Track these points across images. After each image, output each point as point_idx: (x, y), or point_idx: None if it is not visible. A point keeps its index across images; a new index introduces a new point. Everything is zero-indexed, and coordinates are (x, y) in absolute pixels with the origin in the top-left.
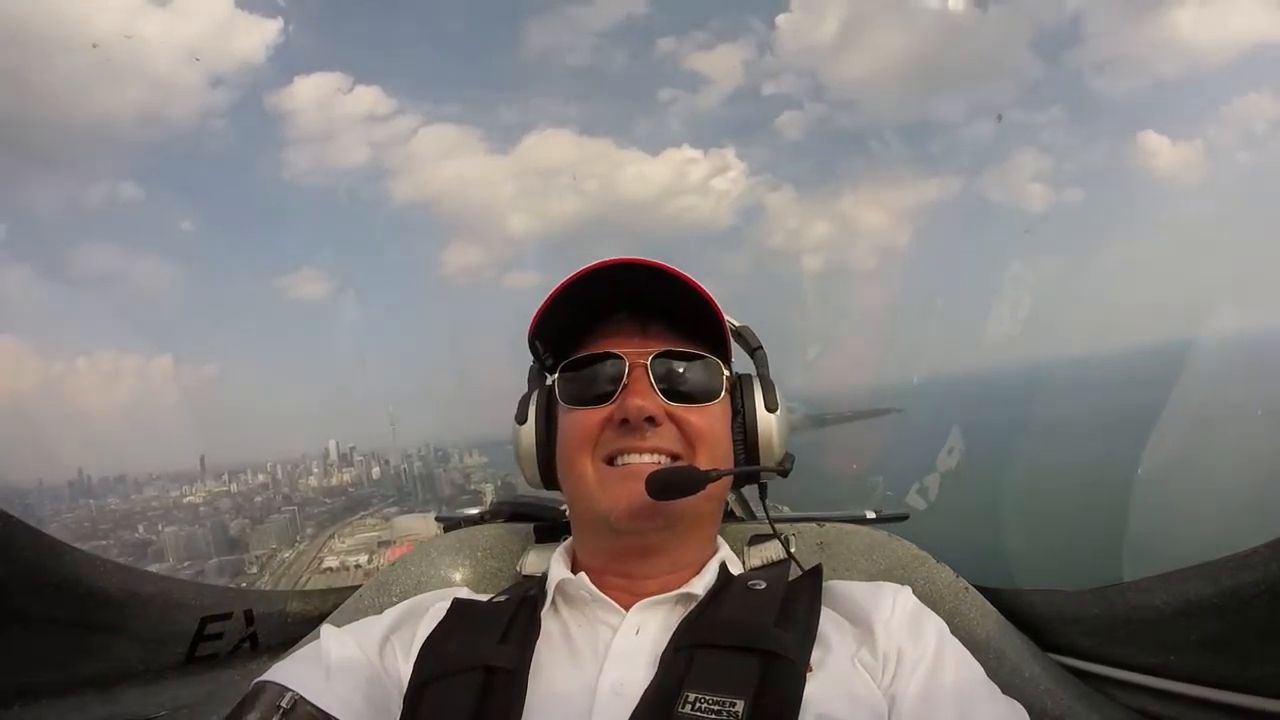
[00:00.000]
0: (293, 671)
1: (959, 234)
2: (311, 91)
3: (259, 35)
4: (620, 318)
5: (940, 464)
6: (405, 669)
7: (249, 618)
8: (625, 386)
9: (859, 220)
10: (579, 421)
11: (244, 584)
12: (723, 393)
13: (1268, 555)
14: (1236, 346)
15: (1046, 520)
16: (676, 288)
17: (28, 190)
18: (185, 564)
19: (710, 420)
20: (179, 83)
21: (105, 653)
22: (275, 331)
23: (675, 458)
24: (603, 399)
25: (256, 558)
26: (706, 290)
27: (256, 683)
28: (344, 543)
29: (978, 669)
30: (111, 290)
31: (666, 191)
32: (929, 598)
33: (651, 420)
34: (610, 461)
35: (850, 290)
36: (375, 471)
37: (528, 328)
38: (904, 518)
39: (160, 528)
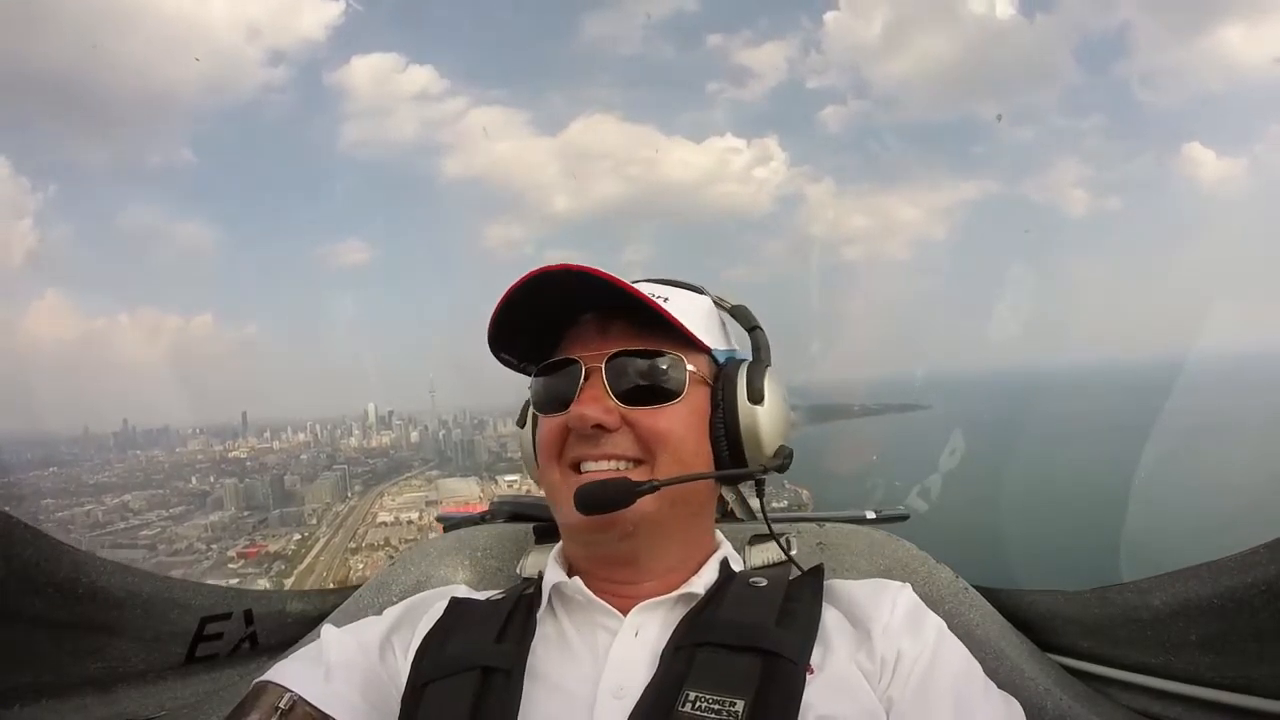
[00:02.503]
0: (292, 672)
1: (996, 235)
2: (368, 70)
3: (320, 15)
4: (584, 320)
5: (942, 465)
6: (405, 669)
7: (249, 618)
8: (580, 392)
9: (896, 215)
10: (545, 429)
11: (306, 533)
12: (684, 389)
13: (1267, 555)
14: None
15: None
16: (615, 289)
17: (83, 152)
18: (246, 513)
19: (670, 420)
20: (241, 58)
21: (105, 653)
22: (317, 297)
23: (638, 462)
24: (563, 405)
25: (313, 510)
26: (642, 292)
27: (256, 683)
28: (394, 500)
29: (975, 667)
30: (160, 251)
31: (708, 178)
32: (929, 598)
33: (601, 427)
34: (576, 468)
35: (886, 284)
36: (414, 435)
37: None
38: (904, 518)
39: (212, 479)
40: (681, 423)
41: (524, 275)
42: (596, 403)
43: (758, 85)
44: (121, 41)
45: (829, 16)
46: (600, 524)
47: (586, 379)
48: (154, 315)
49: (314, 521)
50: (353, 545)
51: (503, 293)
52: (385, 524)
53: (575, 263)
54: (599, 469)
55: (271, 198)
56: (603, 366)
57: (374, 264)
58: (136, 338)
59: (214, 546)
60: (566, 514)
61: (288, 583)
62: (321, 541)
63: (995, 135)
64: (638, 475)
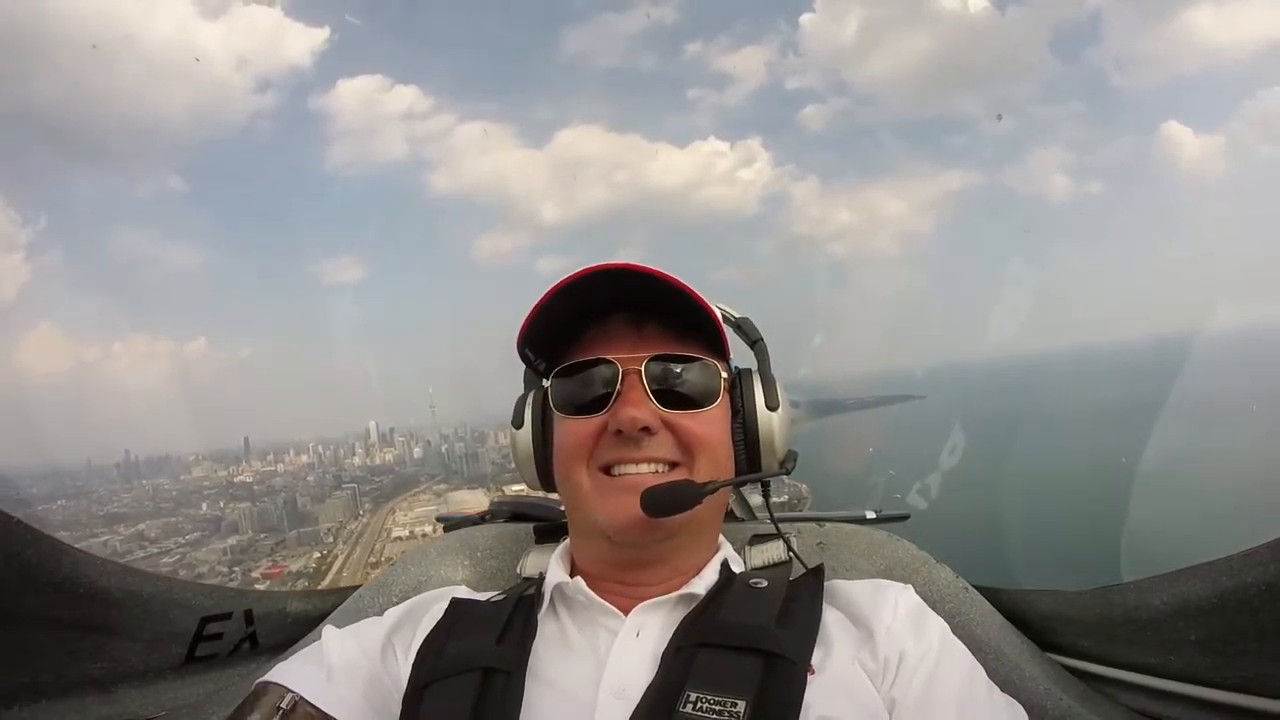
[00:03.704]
0: (294, 672)
1: (980, 226)
2: (354, 92)
3: (306, 41)
4: (615, 320)
5: (943, 463)
6: (405, 670)
7: (249, 618)
8: (619, 394)
9: (881, 209)
10: (574, 430)
11: (324, 551)
12: (721, 395)
13: (1268, 555)
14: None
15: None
16: (669, 289)
17: (75, 183)
18: (262, 535)
19: (708, 425)
20: (230, 86)
21: (105, 653)
22: (310, 317)
23: (674, 465)
24: (597, 407)
25: (328, 529)
26: (696, 292)
27: (258, 683)
28: (406, 515)
29: (979, 669)
30: (152, 279)
31: (694, 182)
32: (929, 598)
33: (647, 430)
34: (607, 471)
35: (872, 278)
36: (416, 451)
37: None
38: (904, 518)
39: (222, 504)
40: (717, 427)
41: (574, 274)
42: (642, 405)
43: (738, 90)
44: (112, 75)
45: (805, 19)
46: (647, 526)
47: (624, 381)
48: (147, 342)
49: (330, 539)
50: (372, 560)
51: (536, 292)
52: (401, 538)
53: (622, 261)
54: (636, 471)
55: (265, 222)
56: (642, 369)
57: (367, 281)
58: (131, 365)
59: (236, 569)
60: (608, 516)
61: None
62: (341, 558)
63: (975, 127)
64: (674, 478)
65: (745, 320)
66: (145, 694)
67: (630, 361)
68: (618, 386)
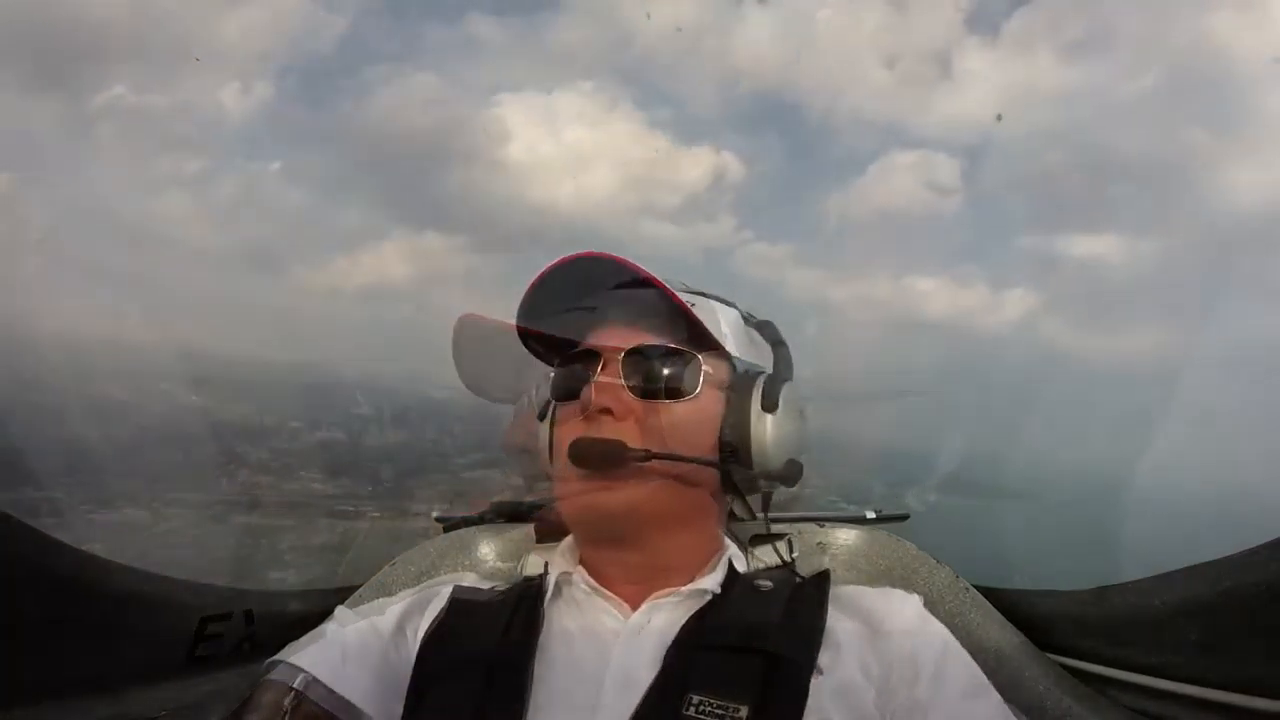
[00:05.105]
0: (307, 653)
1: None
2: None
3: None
4: (610, 313)
5: (943, 462)
6: (415, 654)
7: (249, 618)
8: (596, 381)
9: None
10: (559, 416)
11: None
12: (697, 390)
13: (1267, 555)
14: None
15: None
16: (637, 279)
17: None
18: None
19: (675, 418)
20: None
21: (105, 653)
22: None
23: None
24: (576, 394)
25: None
26: (664, 283)
27: (269, 661)
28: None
29: (981, 678)
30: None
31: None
32: (929, 598)
33: (609, 411)
34: None
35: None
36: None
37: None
38: (904, 518)
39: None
40: (687, 422)
41: (551, 263)
42: (608, 390)
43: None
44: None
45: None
46: (595, 507)
47: (604, 368)
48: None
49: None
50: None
51: (529, 280)
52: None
53: (604, 251)
54: None
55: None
56: (619, 359)
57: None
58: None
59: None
60: (563, 498)
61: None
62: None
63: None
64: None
65: (767, 322)
66: (145, 694)
67: (613, 350)
68: (597, 374)
